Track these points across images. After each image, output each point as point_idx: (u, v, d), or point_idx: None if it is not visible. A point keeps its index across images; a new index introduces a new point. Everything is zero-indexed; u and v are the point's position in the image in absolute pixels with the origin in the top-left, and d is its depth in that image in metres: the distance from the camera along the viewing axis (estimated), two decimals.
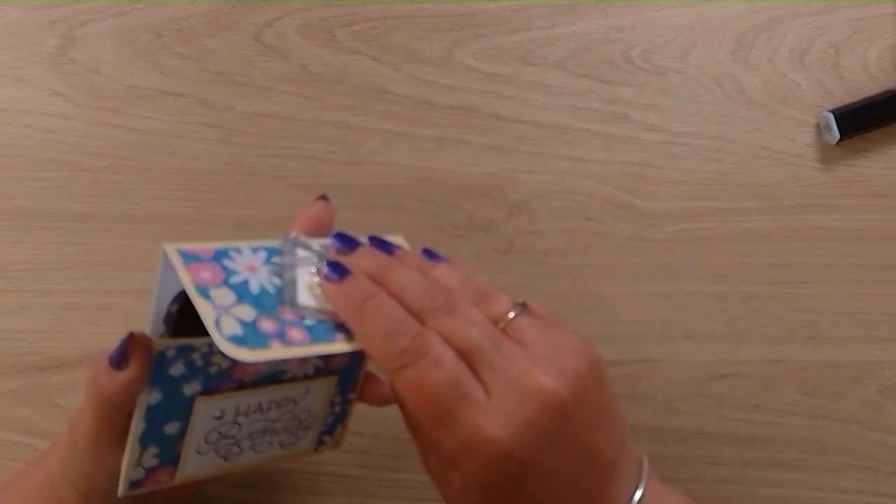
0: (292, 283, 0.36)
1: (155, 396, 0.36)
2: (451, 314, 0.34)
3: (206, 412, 0.38)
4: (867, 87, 0.51)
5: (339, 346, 0.35)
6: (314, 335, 0.35)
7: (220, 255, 0.35)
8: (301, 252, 0.37)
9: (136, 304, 0.49)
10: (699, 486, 0.51)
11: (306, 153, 0.50)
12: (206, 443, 0.39)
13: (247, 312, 0.34)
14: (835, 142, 0.50)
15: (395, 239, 0.40)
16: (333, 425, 0.44)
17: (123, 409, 0.35)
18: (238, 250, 0.36)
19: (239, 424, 0.39)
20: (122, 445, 0.36)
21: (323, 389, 0.41)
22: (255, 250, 0.37)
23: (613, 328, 0.51)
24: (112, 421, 0.36)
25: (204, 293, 0.33)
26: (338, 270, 0.35)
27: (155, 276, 0.35)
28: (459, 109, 0.51)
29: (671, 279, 0.51)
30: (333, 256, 0.36)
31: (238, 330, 0.33)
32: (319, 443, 0.44)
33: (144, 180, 0.50)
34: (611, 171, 0.51)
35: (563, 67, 0.51)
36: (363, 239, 0.38)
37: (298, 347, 0.35)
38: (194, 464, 0.39)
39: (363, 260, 0.36)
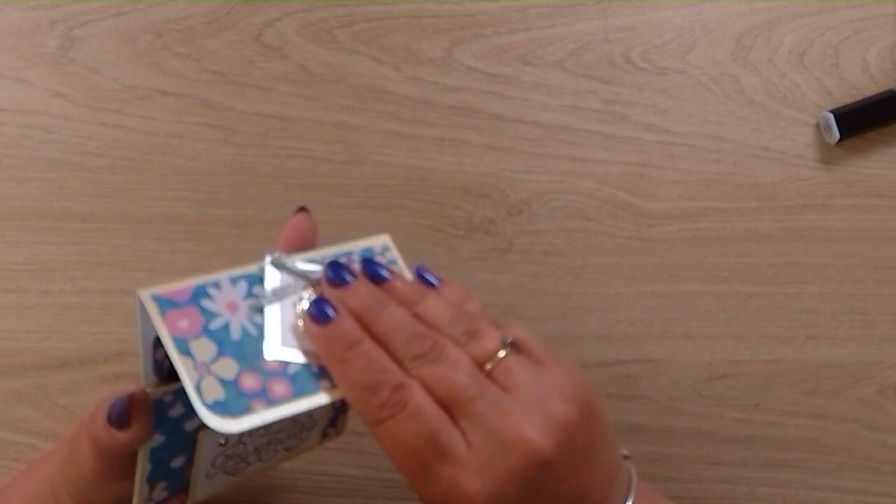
0: (274, 324, 0.35)
1: (157, 439, 0.36)
2: (436, 361, 0.33)
3: (209, 443, 0.38)
4: (867, 87, 0.51)
5: (322, 397, 0.34)
6: (297, 387, 0.34)
7: (198, 295, 0.34)
8: (283, 278, 0.35)
9: (136, 303, 0.49)
10: (699, 486, 0.51)
11: (306, 153, 0.50)
12: (213, 467, 0.39)
13: (228, 368, 0.33)
14: (835, 142, 0.50)
15: (380, 239, 0.39)
16: (335, 418, 0.44)
17: (124, 456, 0.36)
18: (216, 285, 0.34)
19: (244, 443, 0.39)
20: (126, 478, 0.36)
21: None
22: (234, 281, 0.35)
23: (613, 328, 0.51)
24: (114, 463, 0.36)
25: (183, 349, 0.32)
26: (322, 313, 0.33)
27: (136, 322, 0.33)
28: (459, 109, 0.51)
29: (671, 279, 0.51)
30: (322, 292, 0.35)
31: (220, 394, 0.32)
32: (323, 436, 0.44)
33: (144, 180, 0.50)
34: (611, 171, 0.51)
35: (563, 67, 0.51)
36: (355, 265, 0.36)
37: (281, 406, 0.33)
38: (204, 487, 0.39)
39: (351, 297, 0.34)
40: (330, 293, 0.34)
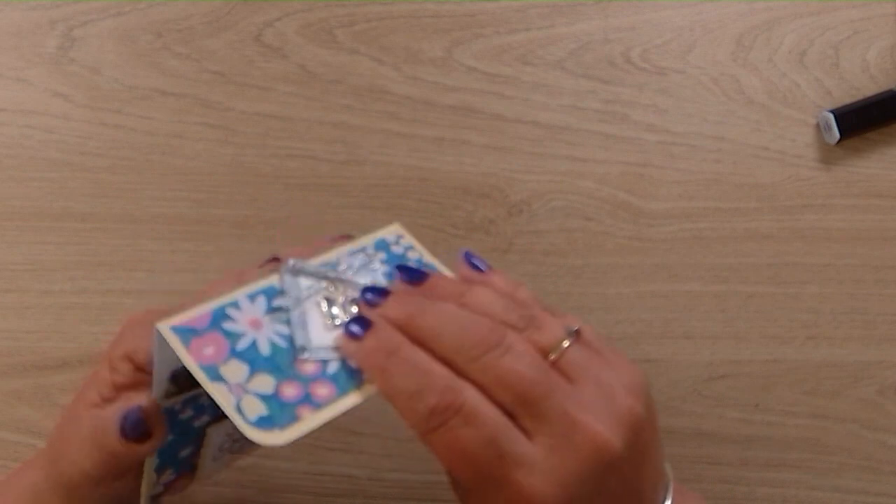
0: (302, 326, 0.33)
1: (167, 439, 0.36)
2: (496, 351, 0.30)
3: (218, 433, 0.38)
4: (867, 87, 0.51)
5: (368, 391, 0.32)
6: (341, 385, 0.32)
7: (217, 319, 0.32)
8: (303, 281, 0.34)
9: (136, 303, 0.49)
10: (699, 486, 0.51)
11: (306, 153, 0.50)
12: (221, 451, 0.39)
13: (265, 383, 0.31)
14: (835, 142, 0.50)
15: (391, 229, 0.38)
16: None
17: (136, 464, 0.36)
18: (236, 305, 0.33)
19: None
20: (122, 477, 0.36)
21: None
22: (252, 298, 0.33)
23: (613, 328, 0.51)
24: (121, 467, 0.36)
25: (215, 375, 0.31)
26: (356, 329, 0.31)
27: (154, 350, 0.33)
28: (459, 109, 0.51)
29: (671, 279, 0.51)
30: (359, 311, 0.33)
31: (262, 410, 0.30)
32: None
33: (144, 180, 0.50)
34: (611, 171, 0.51)
35: (563, 67, 0.51)
36: (395, 281, 0.34)
37: (329, 408, 0.32)
38: (211, 468, 0.40)
39: (389, 308, 0.32)
40: (370, 313, 0.32)
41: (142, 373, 0.35)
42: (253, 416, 0.30)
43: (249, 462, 0.50)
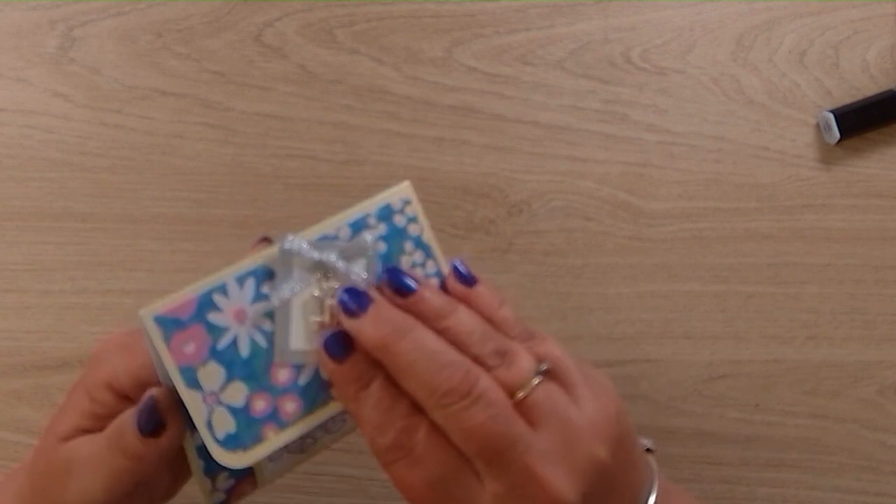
0: (284, 326, 0.33)
1: (198, 438, 0.35)
2: (462, 402, 0.30)
3: None
4: (867, 87, 0.51)
5: (333, 408, 0.33)
6: (308, 401, 0.33)
7: (203, 307, 0.32)
8: (295, 270, 0.33)
9: (136, 303, 0.49)
10: (699, 486, 0.51)
11: (306, 153, 0.50)
12: (279, 448, 0.37)
13: (238, 393, 0.32)
14: (835, 142, 0.50)
15: (400, 190, 0.36)
16: None
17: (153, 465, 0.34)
18: (223, 290, 0.32)
19: None
20: (132, 496, 0.35)
21: None
22: (241, 281, 0.32)
23: (613, 328, 0.51)
24: (137, 475, 0.34)
25: (191, 380, 0.31)
26: (336, 350, 0.32)
27: (144, 335, 0.32)
28: (459, 109, 0.51)
29: (671, 279, 0.51)
30: (341, 322, 0.32)
31: (231, 426, 0.32)
32: None
33: (144, 180, 0.50)
34: (611, 171, 0.51)
35: (563, 67, 0.51)
36: (381, 282, 0.34)
37: (293, 427, 0.33)
38: (273, 469, 0.38)
39: (370, 327, 0.31)
40: (348, 323, 0.32)
41: (126, 401, 0.34)
42: (221, 434, 0.31)
43: None
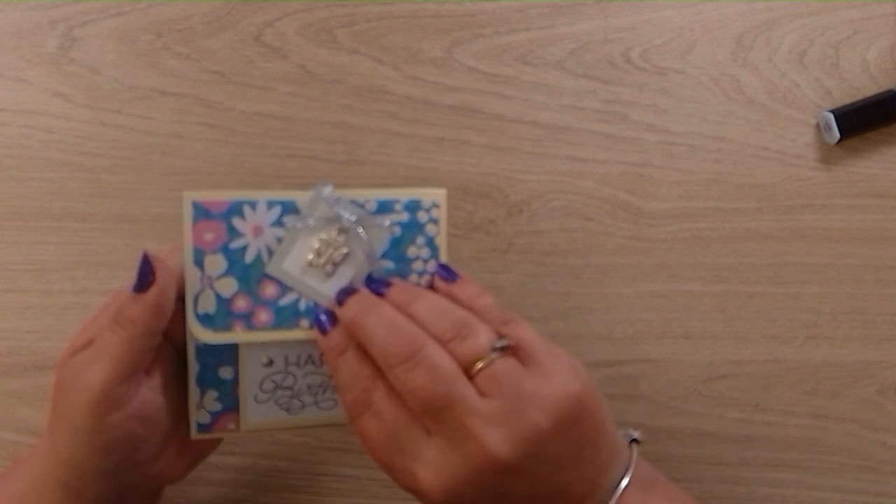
0: (285, 251, 0.38)
1: (201, 345, 0.39)
2: (406, 364, 0.35)
3: (252, 358, 0.40)
4: (867, 87, 0.51)
5: (298, 333, 0.39)
6: (279, 320, 0.39)
7: (232, 211, 0.38)
8: (316, 217, 0.38)
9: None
10: (699, 486, 0.51)
11: (306, 153, 0.50)
12: (263, 391, 0.41)
13: (228, 287, 0.38)
14: (835, 142, 0.50)
15: (434, 194, 0.41)
16: None
17: (155, 337, 0.37)
18: (253, 205, 0.38)
19: (293, 375, 0.41)
20: (131, 404, 0.37)
21: None
22: (270, 205, 0.38)
23: (613, 328, 0.51)
24: (138, 360, 0.37)
25: (198, 260, 0.38)
26: (322, 325, 0.38)
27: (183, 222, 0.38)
28: (459, 109, 0.51)
29: (671, 279, 0.51)
30: (328, 306, 0.39)
31: (211, 308, 0.38)
32: None
33: (144, 180, 0.50)
34: (611, 171, 0.51)
35: (563, 67, 0.51)
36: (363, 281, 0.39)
37: (257, 334, 0.39)
38: (256, 413, 0.41)
39: (349, 309, 0.37)
40: (336, 310, 0.38)
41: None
42: (201, 311, 0.38)
43: (249, 462, 0.50)
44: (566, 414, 0.34)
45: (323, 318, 0.38)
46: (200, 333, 0.38)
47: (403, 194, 0.40)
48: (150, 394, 0.38)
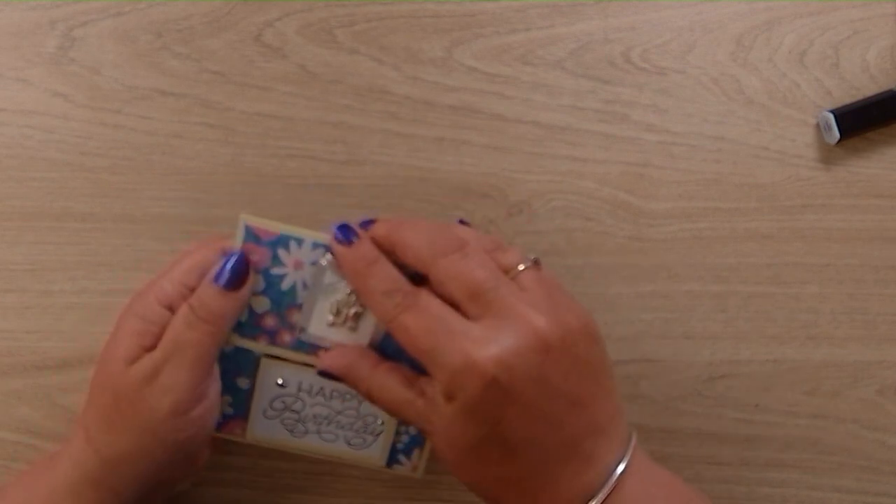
0: (306, 318, 0.42)
1: (229, 345, 0.42)
2: (454, 255, 0.37)
3: (269, 376, 0.43)
4: (867, 87, 0.51)
5: (311, 359, 0.42)
6: (299, 345, 0.42)
7: (279, 243, 0.40)
8: (329, 278, 0.41)
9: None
10: (699, 487, 0.51)
11: (306, 153, 0.50)
12: (272, 409, 0.44)
13: (261, 304, 0.41)
14: (835, 142, 0.50)
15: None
16: (409, 448, 0.46)
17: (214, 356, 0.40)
18: (299, 242, 0.40)
19: (302, 401, 0.44)
20: (208, 396, 0.40)
21: None
22: (315, 246, 0.40)
23: (613, 328, 0.51)
24: (211, 358, 0.40)
25: None
26: (347, 236, 0.39)
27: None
28: (459, 109, 0.51)
29: (671, 279, 0.51)
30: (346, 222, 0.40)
31: (243, 317, 0.41)
32: (394, 461, 0.46)
33: (144, 180, 0.50)
34: (611, 171, 0.51)
35: (563, 67, 0.51)
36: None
37: (277, 350, 0.43)
38: (262, 427, 0.45)
39: (379, 226, 0.39)
40: (365, 230, 0.40)
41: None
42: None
43: (249, 462, 0.50)
44: (588, 326, 0.37)
45: (343, 230, 0.39)
46: (229, 336, 0.40)
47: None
48: (215, 384, 0.41)
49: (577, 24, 0.51)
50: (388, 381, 0.39)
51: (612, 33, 0.51)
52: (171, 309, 0.40)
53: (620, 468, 0.36)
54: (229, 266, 0.39)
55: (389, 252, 0.39)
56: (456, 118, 0.51)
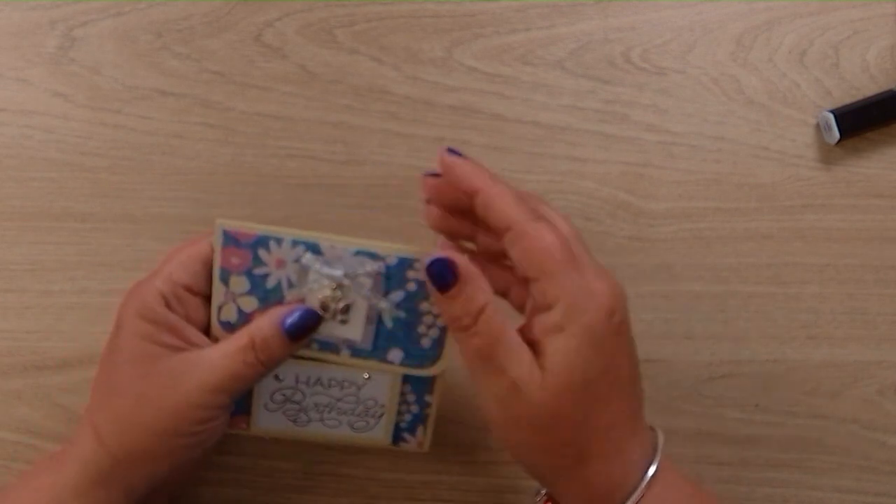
0: (301, 288, 0.41)
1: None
2: (537, 219, 0.37)
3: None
4: (867, 87, 0.51)
5: (308, 353, 0.42)
6: None
7: (259, 243, 0.40)
8: (336, 263, 0.41)
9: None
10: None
11: (306, 153, 0.50)
12: (273, 402, 0.44)
13: (249, 304, 0.41)
14: (835, 142, 0.50)
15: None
16: (413, 425, 0.46)
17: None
18: (278, 241, 0.40)
19: (301, 392, 0.44)
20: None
21: (385, 380, 0.44)
22: (294, 244, 0.40)
23: None
24: (247, 386, 0.41)
25: (224, 278, 0.41)
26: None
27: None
28: (459, 109, 0.51)
29: (671, 279, 0.51)
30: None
31: (232, 317, 0.41)
32: (399, 439, 0.46)
33: (144, 180, 0.50)
34: (611, 171, 0.51)
35: (563, 67, 0.51)
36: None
37: None
38: (266, 419, 0.45)
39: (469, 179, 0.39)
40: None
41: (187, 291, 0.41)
42: (223, 318, 0.41)
43: (249, 462, 0.50)
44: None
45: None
46: (221, 336, 0.41)
47: (425, 255, 0.40)
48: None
49: (577, 24, 0.51)
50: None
51: (612, 33, 0.51)
52: (169, 306, 0.40)
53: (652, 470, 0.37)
54: (301, 317, 0.40)
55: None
56: (456, 118, 0.51)
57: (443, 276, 0.37)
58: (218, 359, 0.39)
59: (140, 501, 0.41)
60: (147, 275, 0.42)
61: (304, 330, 0.40)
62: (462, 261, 0.37)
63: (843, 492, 0.51)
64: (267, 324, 0.40)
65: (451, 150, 0.38)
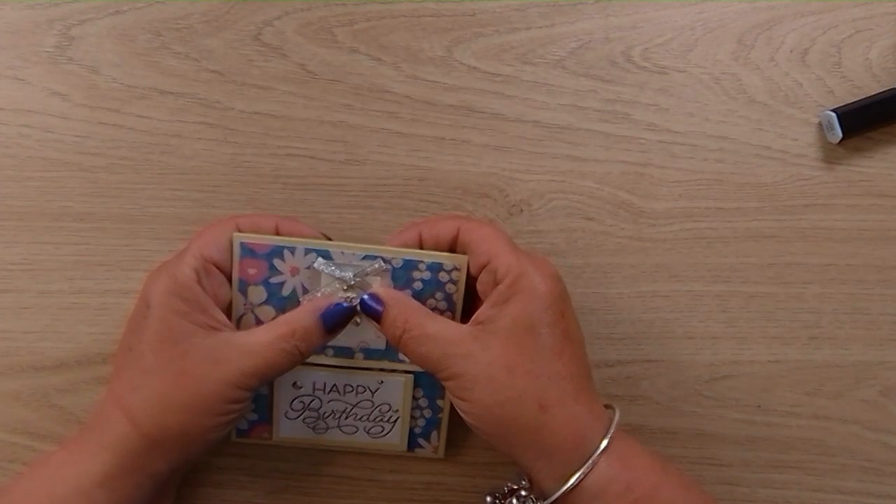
0: (314, 291, 0.44)
1: None
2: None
3: (284, 377, 0.45)
4: (869, 86, 0.51)
5: (322, 359, 0.46)
6: None
7: (274, 253, 0.43)
8: (343, 267, 0.43)
9: (134, 304, 0.49)
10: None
11: (306, 153, 0.50)
12: (293, 409, 0.47)
13: (266, 314, 0.44)
14: (837, 141, 0.50)
15: (459, 257, 0.44)
16: (427, 431, 0.48)
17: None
18: (292, 250, 0.43)
19: (319, 399, 0.46)
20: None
21: (398, 386, 0.46)
22: (307, 252, 0.43)
23: (613, 328, 0.51)
24: (280, 372, 0.42)
25: (242, 289, 0.44)
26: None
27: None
28: (459, 109, 0.51)
29: (672, 279, 0.51)
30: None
31: (251, 326, 0.43)
32: (415, 445, 0.48)
33: (143, 180, 0.50)
34: (611, 170, 0.51)
35: (564, 67, 0.51)
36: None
37: None
38: (286, 427, 0.47)
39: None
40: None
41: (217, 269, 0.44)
42: (244, 328, 0.44)
43: (249, 463, 0.50)
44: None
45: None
46: None
47: (427, 256, 0.44)
48: None
49: (578, 22, 0.51)
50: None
51: (613, 32, 0.51)
52: (200, 282, 0.42)
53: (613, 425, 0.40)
54: (337, 308, 0.42)
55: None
56: (456, 117, 0.51)
57: (372, 308, 0.42)
58: (257, 344, 0.40)
59: (160, 490, 0.41)
60: (172, 256, 0.43)
61: (341, 320, 0.42)
62: (384, 292, 0.42)
63: (845, 493, 0.51)
64: (305, 314, 0.41)
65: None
